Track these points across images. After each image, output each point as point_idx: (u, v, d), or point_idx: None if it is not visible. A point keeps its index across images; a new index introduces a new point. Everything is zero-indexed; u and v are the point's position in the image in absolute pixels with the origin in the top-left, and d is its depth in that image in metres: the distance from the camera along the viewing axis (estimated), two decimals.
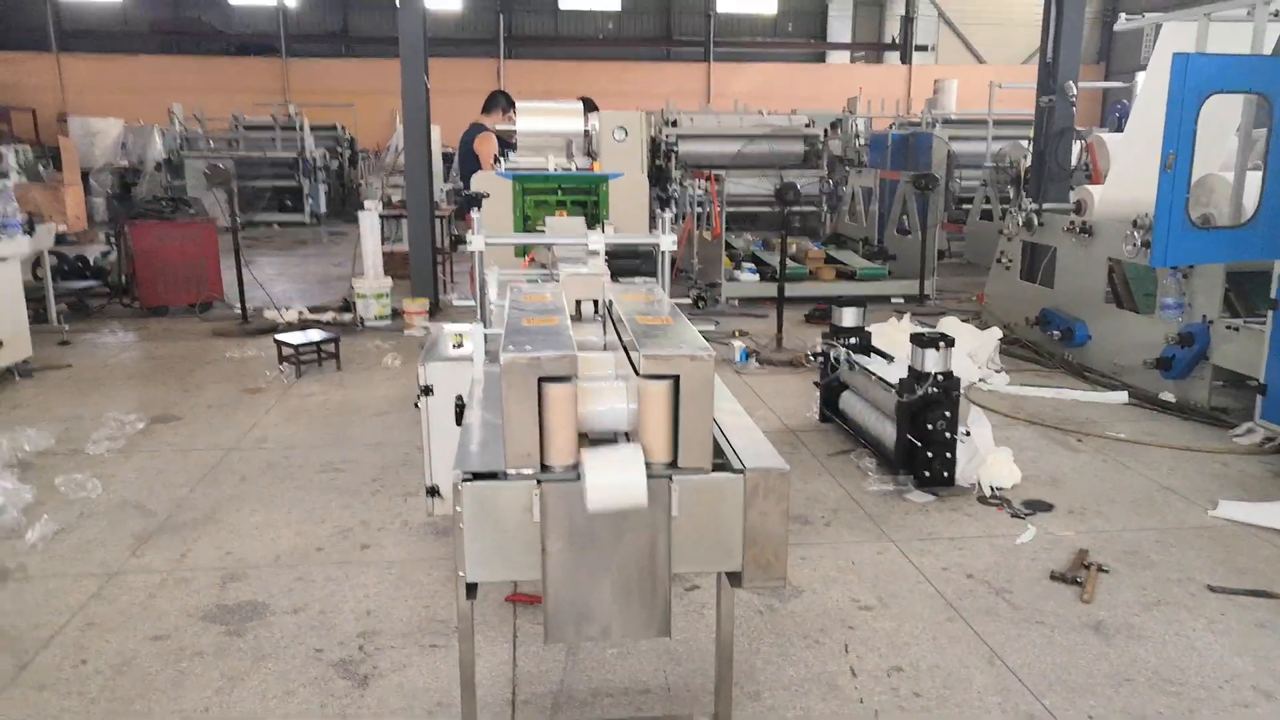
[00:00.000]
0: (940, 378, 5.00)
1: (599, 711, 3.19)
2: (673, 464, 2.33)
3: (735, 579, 2.42)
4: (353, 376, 7.63)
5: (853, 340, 6.09)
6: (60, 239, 10.88)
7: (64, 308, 9.66)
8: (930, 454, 5.02)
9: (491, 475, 2.31)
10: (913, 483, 5.11)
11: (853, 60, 32.38)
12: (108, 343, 8.83)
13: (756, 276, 10.53)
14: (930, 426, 4.99)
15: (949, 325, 7.95)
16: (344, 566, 4.26)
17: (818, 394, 6.37)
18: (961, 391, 5.11)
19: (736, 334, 8.74)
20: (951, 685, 3.36)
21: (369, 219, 9.97)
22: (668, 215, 4.08)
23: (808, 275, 10.65)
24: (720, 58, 30.42)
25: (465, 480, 2.29)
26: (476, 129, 8.19)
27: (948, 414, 5.00)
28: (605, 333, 3.19)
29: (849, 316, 6.13)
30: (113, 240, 10.62)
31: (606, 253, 4.05)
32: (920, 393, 4.99)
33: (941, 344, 5.00)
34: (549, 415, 2.27)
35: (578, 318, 3.36)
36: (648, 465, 2.30)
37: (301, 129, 20.14)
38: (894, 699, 3.28)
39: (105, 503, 4.99)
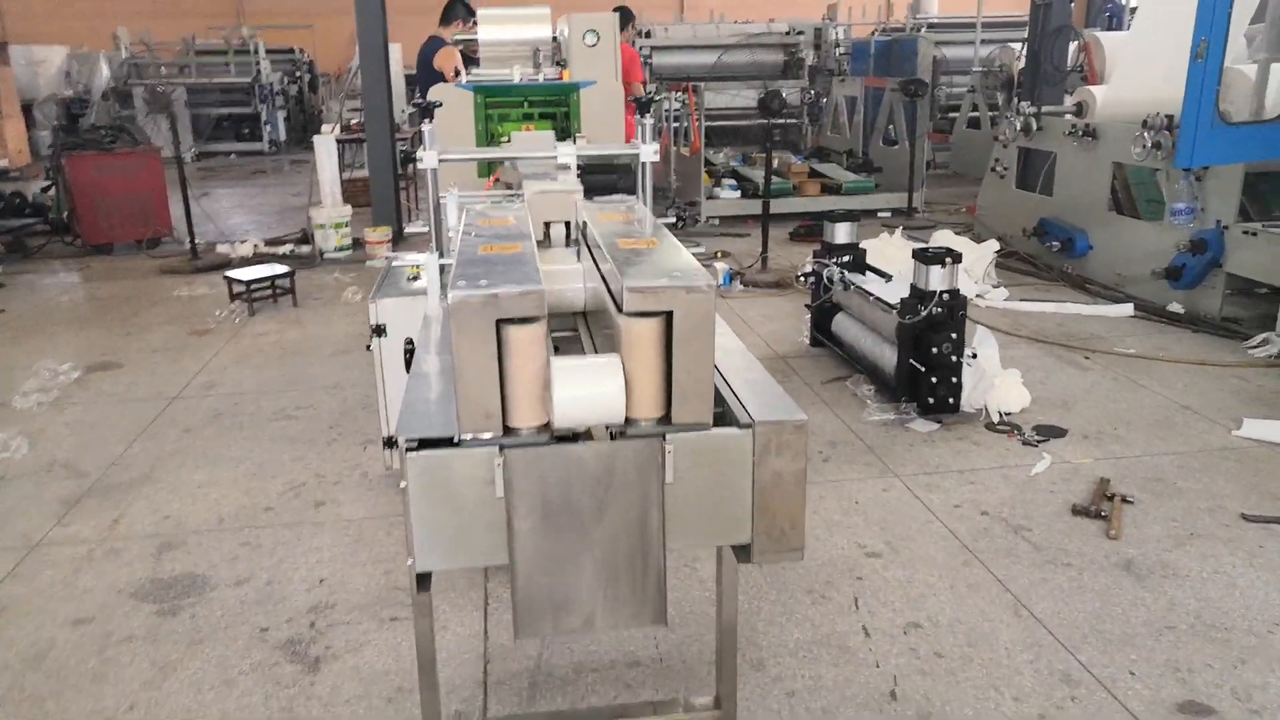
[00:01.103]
0: (946, 296, 4.57)
1: (583, 690, 2.81)
2: (665, 419, 1.89)
3: (743, 553, 2.01)
4: (310, 313, 7.12)
5: (846, 258, 5.63)
6: (3, 174, 10.18)
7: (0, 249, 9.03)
8: (935, 379, 4.63)
9: (445, 442, 1.86)
10: (915, 410, 4.72)
11: None
12: (46, 285, 8.24)
13: (738, 194, 10.00)
14: (935, 350, 4.58)
15: (943, 239, 7.52)
16: (296, 528, 3.84)
17: (808, 317, 5.94)
18: (967, 311, 4.69)
19: (719, 255, 8.26)
20: (975, 642, 3.01)
21: (325, 144, 9.33)
22: (648, 122, 3.57)
23: (792, 190, 10.14)
24: None
25: (411, 449, 1.84)
26: (436, 43, 7.52)
27: (954, 335, 4.59)
28: (579, 260, 2.72)
29: (842, 233, 5.67)
30: (51, 174, 9.91)
31: (579, 167, 3.54)
32: (924, 313, 4.56)
33: (948, 260, 4.56)
34: (511, 365, 1.82)
35: (546, 243, 2.88)
36: (634, 422, 1.87)
37: (256, 52, 19.12)
38: (913, 661, 2.92)
39: (30, 464, 4.52)
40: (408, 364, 2.67)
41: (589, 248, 2.51)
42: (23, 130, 15.75)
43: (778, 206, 9.11)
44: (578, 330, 2.59)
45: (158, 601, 3.33)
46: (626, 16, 8.94)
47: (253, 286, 7.14)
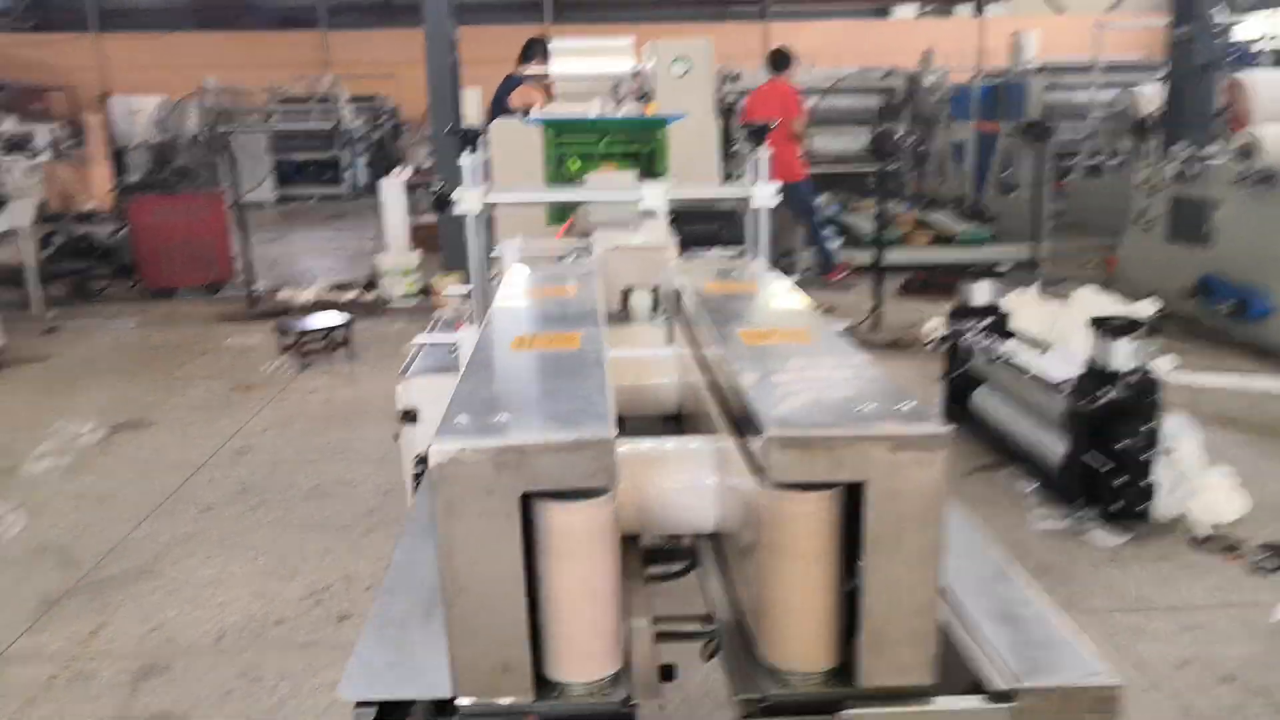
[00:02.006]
0: (1134, 377, 3.58)
1: None
2: (839, 673, 1.01)
3: None
4: (366, 368, 6.43)
5: (986, 321, 4.67)
6: (88, 217, 9.97)
7: (63, 292, 8.66)
8: (1120, 480, 3.62)
9: (434, 709, 1.02)
10: (1095, 517, 3.71)
11: (920, 15, 30.28)
12: (99, 330, 7.77)
13: (839, 243, 9.07)
14: (1122, 443, 3.58)
15: (1086, 298, 6.46)
16: (309, 651, 3.04)
17: (941, 389, 4.97)
18: (1160, 396, 3.68)
19: (824, 310, 7.34)
20: None
21: (391, 187, 8.76)
22: (763, 155, 2.73)
23: (899, 240, 9.17)
24: (777, 16, 28.60)
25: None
26: (512, 81, 6.88)
27: (1146, 426, 3.59)
28: (669, 340, 1.88)
29: (982, 292, 4.72)
30: (118, 217, 9.59)
31: (672, 214, 2.73)
32: (1105, 398, 3.57)
33: (1139, 331, 3.57)
34: (554, 573, 0.98)
35: (623, 316, 2.05)
36: (783, 677, 1.00)
37: (338, 99, 19.19)
38: None
39: (19, 546, 3.85)
40: (417, 479, 1.86)
41: (684, 328, 1.66)
42: (108, 174, 15.95)
43: (887, 257, 8.16)
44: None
45: None
46: (784, 59, 8.60)
47: (304, 338, 6.49)
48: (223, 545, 3.83)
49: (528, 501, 0.96)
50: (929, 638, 1.01)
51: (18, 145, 12.18)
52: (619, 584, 1.03)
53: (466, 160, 2.59)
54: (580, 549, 0.98)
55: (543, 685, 1.02)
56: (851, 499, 0.99)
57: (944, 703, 1.02)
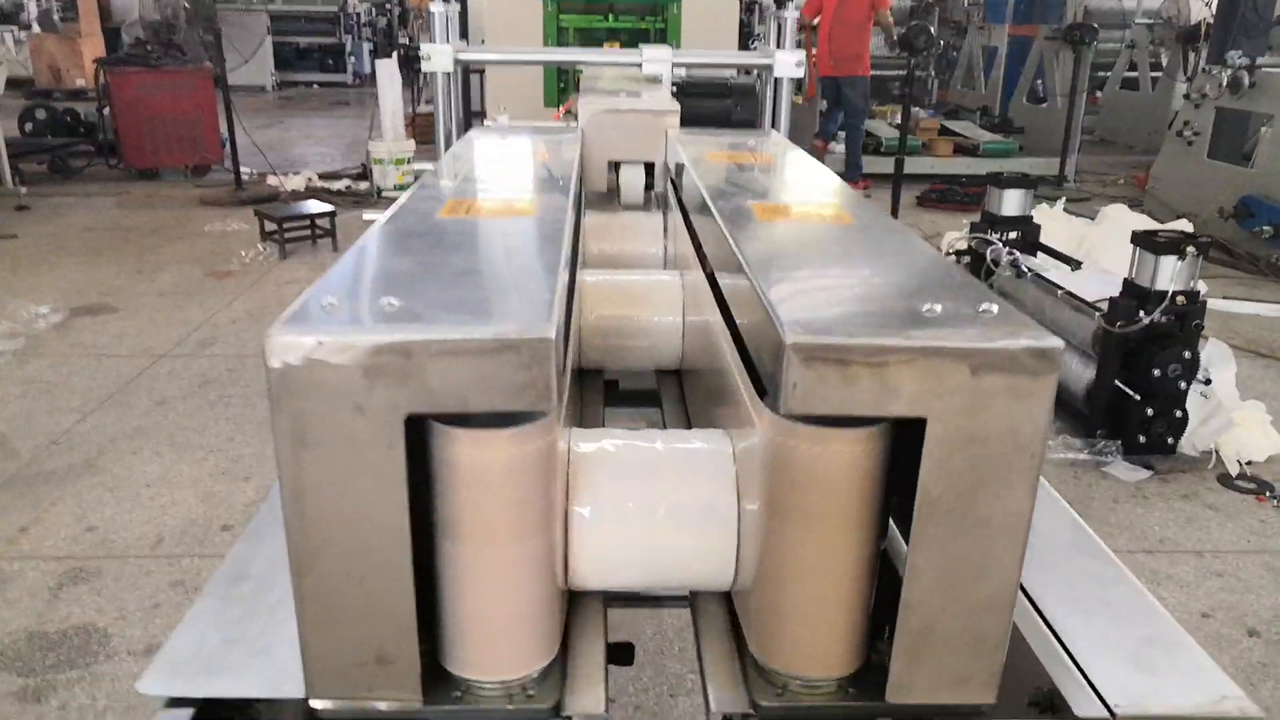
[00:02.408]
0: (1180, 299, 3.23)
1: None
2: (861, 682, 0.71)
3: None
4: None
5: (1014, 234, 4.30)
6: (77, 94, 9.44)
7: (42, 169, 8.23)
8: (1152, 410, 3.31)
9: (283, 710, 0.72)
10: (1118, 450, 3.41)
11: None
12: (73, 209, 7.36)
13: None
14: (1158, 371, 3.26)
15: (1116, 216, 6.08)
16: None
17: None
18: (1204, 322, 3.34)
19: None
20: None
21: (387, 70, 8.24)
22: (788, 14, 2.33)
23: (920, 149, 8.67)
24: None
25: None
26: None
27: (1186, 354, 3.26)
28: (667, 238, 1.53)
29: (1012, 202, 4.33)
30: (99, 93, 9.06)
31: (678, 85, 2.35)
32: (1145, 321, 3.24)
33: (1189, 250, 3.21)
34: (457, 528, 0.66)
35: (614, 202, 1.70)
36: (782, 685, 0.69)
37: None
38: None
39: None
40: None
41: (682, 213, 1.32)
42: (101, 50, 15.27)
43: (905, 166, 7.71)
44: (660, 403, 1.38)
45: (26, 673, 2.30)
46: None
47: (286, 226, 6.11)
48: (172, 442, 3.54)
49: (419, 427, 0.64)
50: (998, 644, 0.69)
51: (7, 17, 11.56)
52: (556, 544, 0.72)
53: (438, 7, 2.20)
54: (500, 496, 0.66)
55: (438, 683, 0.71)
56: (901, 443, 0.67)
57: None
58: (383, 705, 0.69)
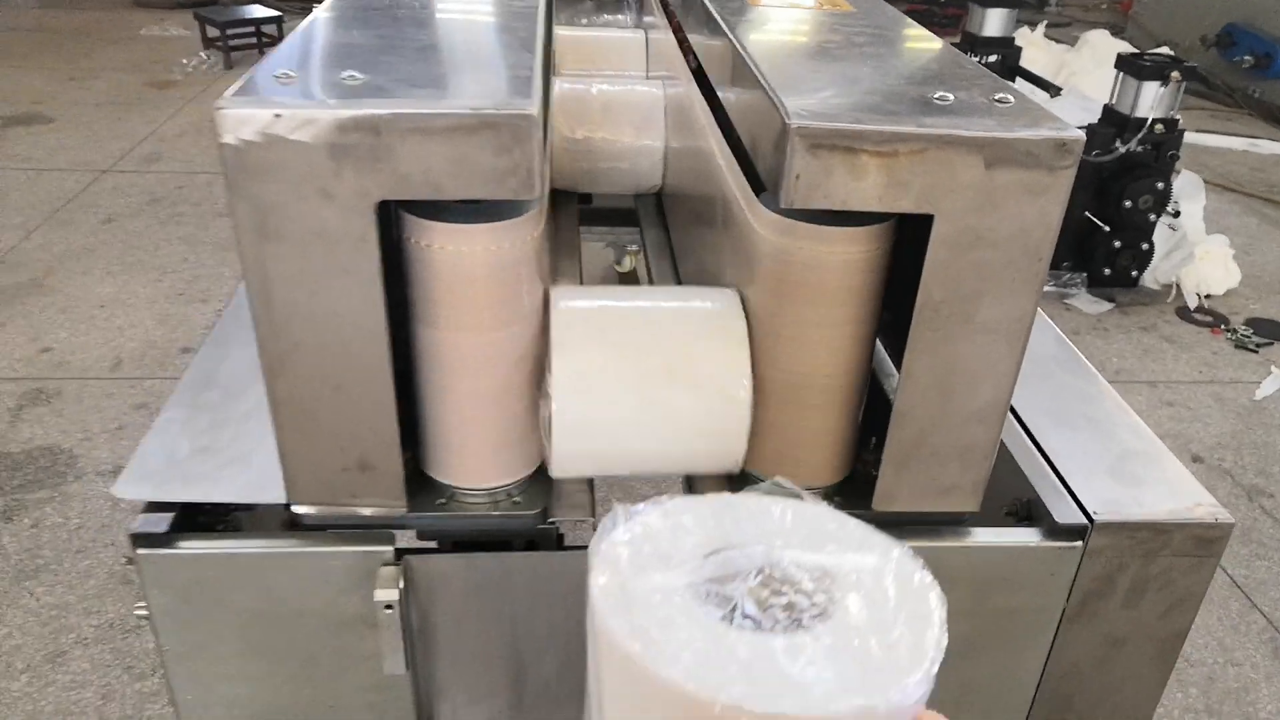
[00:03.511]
0: (1159, 128, 3.18)
1: None
2: (846, 486, 0.70)
3: None
4: None
5: (994, 58, 4.16)
6: None
7: None
8: (1119, 241, 3.32)
9: (254, 516, 0.70)
10: (1082, 281, 3.44)
11: None
12: None
13: None
14: (1129, 202, 3.24)
15: (1096, 42, 5.90)
16: None
17: None
18: (1180, 151, 3.31)
19: None
20: (1219, 703, 1.91)
21: None
22: None
23: None
24: None
25: (149, 536, 0.68)
26: None
27: (1159, 185, 3.24)
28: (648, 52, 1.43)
29: (994, 22, 4.16)
30: None
31: None
32: (1123, 150, 3.19)
33: (1173, 75, 3.13)
34: (437, 328, 0.62)
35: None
36: (762, 489, 0.68)
37: None
38: None
39: None
40: None
41: (671, 14, 1.22)
42: None
43: None
44: (639, 225, 1.32)
45: None
46: None
47: (229, 32, 5.74)
48: (124, 262, 3.43)
49: (398, 216, 0.59)
50: (986, 453, 0.69)
51: None
52: (540, 348, 0.68)
53: None
54: (484, 296, 0.62)
55: (422, 490, 0.70)
56: (892, 245, 0.64)
57: (987, 536, 0.73)
58: (366, 511, 0.67)
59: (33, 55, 5.77)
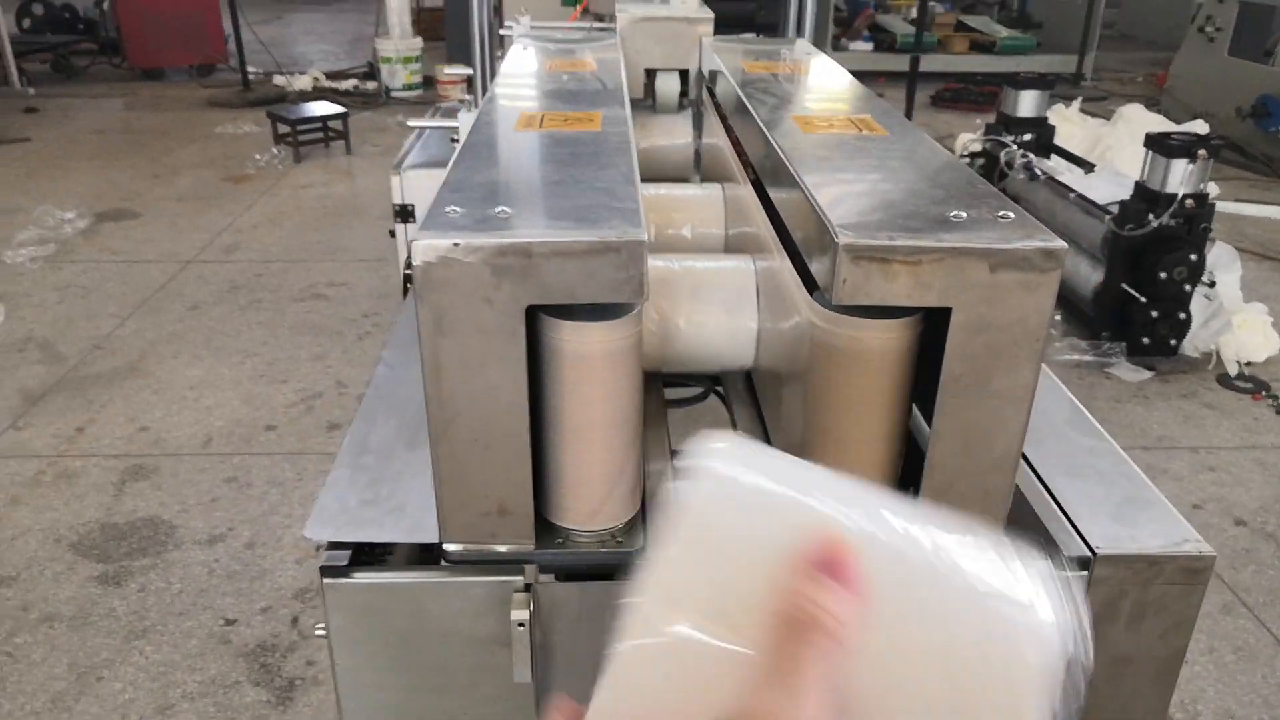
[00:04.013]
0: (1189, 203, 3.32)
1: None
2: None
3: None
4: (364, 162, 6.12)
5: (1028, 136, 4.35)
6: None
7: (44, 69, 8.18)
8: (1157, 311, 3.43)
9: (412, 553, 0.87)
10: (1121, 351, 3.55)
11: None
12: (82, 111, 7.36)
13: (871, 45, 8.49)
14: (1163, 274, 3.37)
15: (1131, 116, 6.06)
16: (299, 460, 2.95)
17: None
18: (1212, 225, 3.43)
19: None
20: None
21: None
22: None
23: (935, 46, 8.57)
24: None
25: (334, 570, 0.85)
26: None
27: (1193, 257, 3.36)
28: (699, 139, 1.63)
29: (1027, 103, 4.36)
30: None
31: None
32: (1154, 224, 3.33)
33: (1200, 153, 3.28)
34: (566, 400, 0.80)
35: (648, 105, 1.79)
36: None
37: None
38: None
39: (1, 339, 3.71)
40: (405, 288, 1.67)
41: (719, 115, 1.41)
42: None
43: (919, 64, 7.64)
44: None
45: (103, 560, 2.50)
46: None
47: (299, 128, 6.14)
48: (210, 346, 3.69)
49: (534, 316, 0.77)
50: (1003, 498, 0.84)
51: None
52: (640, 418, 0.85)
53: None
54: (598, 377, 0.80)
55: (545, 532, 0.86)
56: (920, 331, 0.80)
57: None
58: (502, 548, 0.83)
59: (121, 155, 6.21)
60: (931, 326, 0.81)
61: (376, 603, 0.84)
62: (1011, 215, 0.80)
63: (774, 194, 1.00)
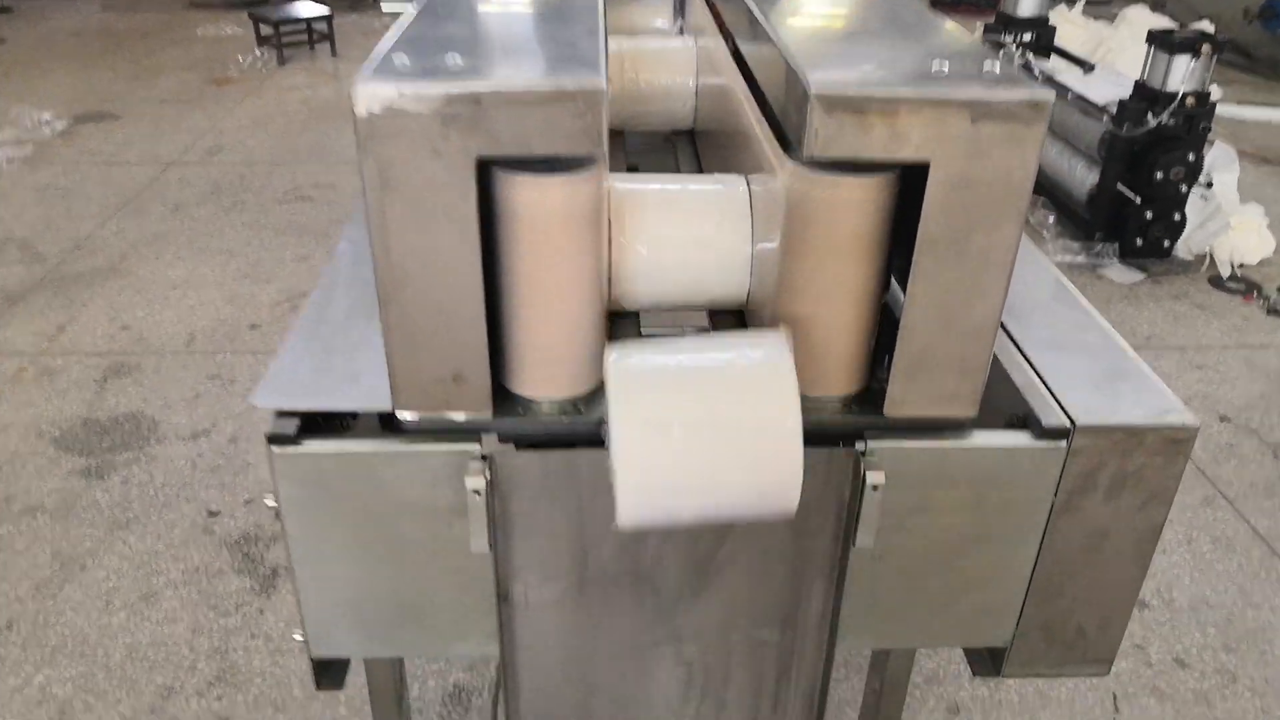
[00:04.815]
0: (1190, 101, 3.23)
1: None
2: (862, 397, 0.83)
3: (987, 661, 0.99)
4: (350, 66, 5.95)
5: (1029, 36, 4.21)
6: None
7: None
8: (1152, 213, 3.38)
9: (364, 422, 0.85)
10: (1114, 253, 3.51)
11: None
12: (58, 11, 7.13)
13: None
14: (1160, 174, 3.30)
15: (1134, 18, 5.88)
16: None
17: None
18: (1212, 126, 3.35)
19: None
20: (1237, 644, 2.01)
21: None
22: None
23: None
24: None
25: (282, 437, 0.82)
26: None
27: (1191, 157, 3.29)
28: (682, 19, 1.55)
29: (1028, 3, 4.21)
30: None
31: None
32: (1153, 123, 3.25)
33: (1203, 47, 3.18)
34: (520, 264, 0.76)
35: None
36: (811, 399, 0.81)
37: None
38: (1139, 674, 1.95)
39: None
40: None
41: None
42: None
43: None
44: (675, 156, 1.45)
45: (86, 454, 2.49)
46: None
47: (283, 29, 5.95)
48: (193, 247, 3.63)
49: (487, 170, 0.72)
50: (980, 366, 0.81)
51: None
52: (602, 284, 0.82)
53: None
54: (555, 236, 0.76)
55: (505, 401, 0.84)
56: (900, 186, 0.76)
57: (984, 438, 0.85)
58: (458, 416, 0.81)
59: (100, 56, 6.03)
60: (911, 190, 0.77)
61: (328, 473, 0.81)
62: (997, 68, 0.75)
63: (747, 50, 0.95)
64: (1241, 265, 3.52)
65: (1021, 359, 0.92)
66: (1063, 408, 0.85)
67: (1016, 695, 1.87)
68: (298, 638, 0.89)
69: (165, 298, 3.27)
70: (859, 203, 0.77)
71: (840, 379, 0.85)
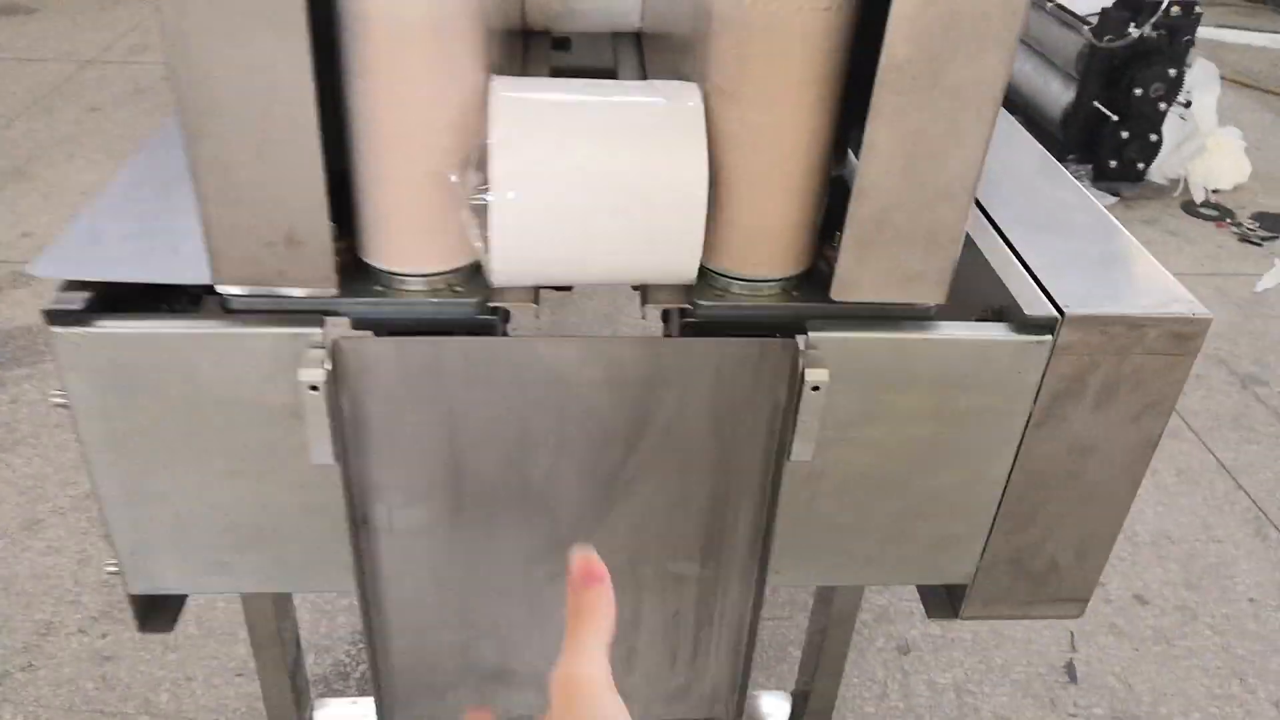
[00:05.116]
0: (1175, 11, 3.06)
1: None
2: (806, 280, 0.67)
3: (944, 603, 0.84)
4: None
5: None
6: None
7: None
8: (1128, 132, 3.23)
9: (176, 297, 0.67)
10: (1088, 174, 3.36)
11: None
12: None
13: None
14: (1139, 90, 3.14)
15: None
16: None
17: None
18: (1195, 36, 3.19)
19: None
20: (1200, 579, 1.92)
21: None
22: None
23: None
24: None
25: (68, 314, 0.64)
26: None
27: (1171, 72, 3.13)
28: None
29: None
30: None
31: None
32: (1135, 35, 3.08)
33: None
34: (371, 87, 0.58)
35: None
36: (722, 285, 0.65)
37: None
38: (1102, 613, 1.85)
39: None
40: None
41: None
42: None
43: None
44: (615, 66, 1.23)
45: None
46: None
47: None
48: (109, 151, 3.35)
49: None
50: (952, 238, 0.65)
51: None
52: (480, 122, 0.64)
53: None
54: (419, 50, 0.58)
55: (361, 276, 0.66)
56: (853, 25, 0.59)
57: (951, 330, 0.69)
58: (296, 292, 0.63)
59: None
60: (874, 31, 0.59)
61: (130, 361, 0.64)
62: None
63: None
64: (1216, 191, 3.40)
65: (1000, 240, 0.76)
66: (1049, 295, 0.69)
67: (970, 634, 1.77)
68: (110, 568, 0.73)
69: (74, 205, 3.01)
70: (807, 27, 0.59)
71: (780, 257, 0.68)
